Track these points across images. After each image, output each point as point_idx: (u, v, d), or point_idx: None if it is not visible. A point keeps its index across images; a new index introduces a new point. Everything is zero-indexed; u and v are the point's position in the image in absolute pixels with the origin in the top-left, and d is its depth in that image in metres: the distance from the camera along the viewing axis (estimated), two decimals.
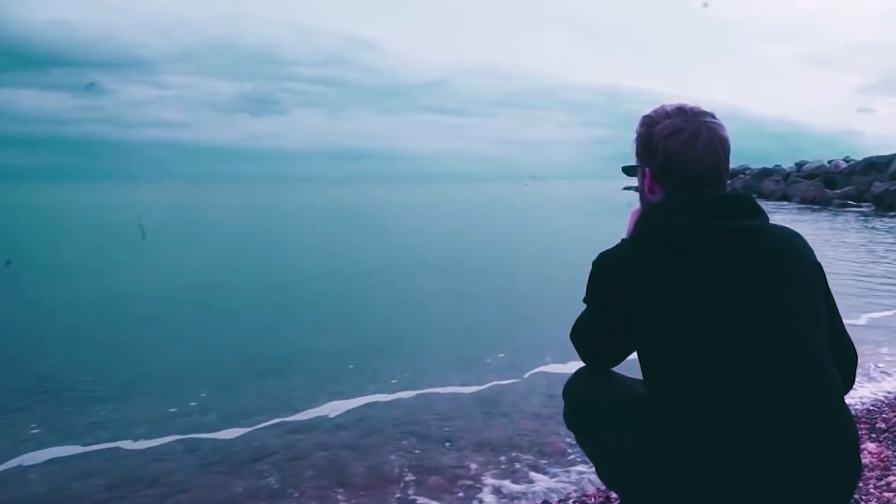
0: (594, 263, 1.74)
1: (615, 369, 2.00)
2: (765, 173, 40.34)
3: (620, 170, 1.96)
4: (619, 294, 1.66)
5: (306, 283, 10.25)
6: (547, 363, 5.26)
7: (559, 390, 2.14)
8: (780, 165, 42.03)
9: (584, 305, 1.86)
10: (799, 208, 29.16)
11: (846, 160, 36.11)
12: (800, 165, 39.37)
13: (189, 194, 79.80)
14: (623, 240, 1.80)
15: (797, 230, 1.78)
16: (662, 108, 1.79)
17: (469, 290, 9.63)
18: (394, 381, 4.91)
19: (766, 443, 1.52)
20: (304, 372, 5.26)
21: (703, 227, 1.63)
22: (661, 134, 1.74)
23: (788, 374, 1.56)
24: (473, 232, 20.31)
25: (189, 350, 6.07)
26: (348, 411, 4.34)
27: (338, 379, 5.01)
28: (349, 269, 11.84)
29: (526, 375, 5.02)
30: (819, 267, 1.74)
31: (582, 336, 1.93)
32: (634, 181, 1.91)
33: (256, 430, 4.04)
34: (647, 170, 1.80)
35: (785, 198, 34.63)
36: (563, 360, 5.06)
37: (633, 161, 1.88)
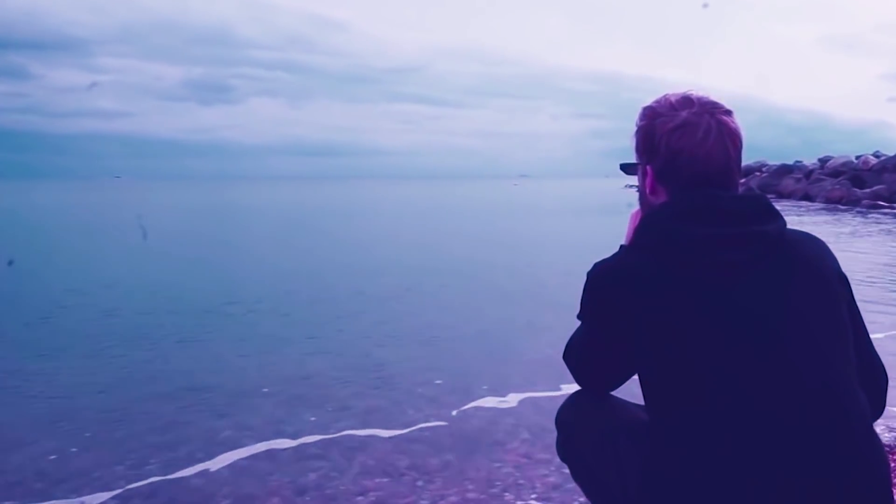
0: (589, 274, 1.75)
1: (614, 393, 2.02)
2: (784, 170, 40.65)
3: (619, 167, 1.97)
4: (618, 309, 1.67)
5: (251, 295, 10.20)
6: (536, 387, 5.25)
7: (551, 418, 2.15)
8: (801, 161, 42.37)
9: (579, 322, 1.87)
10: (823, 209, 29.40)
11: (876, 155, 36.44)
12: (823, 161, 39.69)
13: (121, 194, 79.08)
14: (622, 247, 1.81)
15: (819, 234, 1.80)
16: (666, 98, 1.80)
17: (446, 303, 9.64)
18: (356, 413, 4.87)
19: (784, 476, 1.51)
20: (248, 402, 5.19)
21: (712, 233, 1.63)
22: (664, 127, 1.74)
23: (810, 399, 1.55)
24: (452, 237, 20.28)
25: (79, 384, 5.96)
26: (305, 446, 4.30)
27: (292, 411, 4.95)
28: (304, 280, 11.81)
29: (511, 401, 5.00)
30: (843, 277, 1.75)
31: (576, 356, 1.94)
32: (635, 180, 1.92)
33: (194, 472, 4.00)
34: (648, 168, 1.81)
35: (807, 197, 34.90)
36: (555, 384, 5.07)
37: (633, 157, 1.89)
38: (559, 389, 5.05)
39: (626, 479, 1.80)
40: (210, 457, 4.15)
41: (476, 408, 4.94)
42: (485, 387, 5.34)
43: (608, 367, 1.86)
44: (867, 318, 1.82)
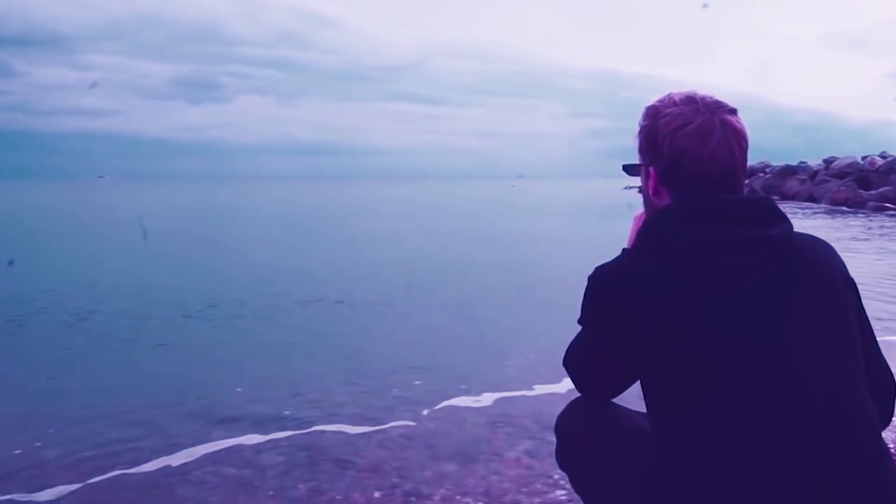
0: (590, 278, 1.75)
1: (615, 400, 2.02)
2: (788, 171, 40.69)
3: (621, 168, 1.97)
4: (620, 314, 1.67)
5: (234, 296, 10.21)
6: (534, 392, 5.25)
7: (550, 424, 2.15)
8: (805, 162, 42.42)
9: (579, 327, 1.87)
10: (828, 211, 29.41)
11: (882, 156, 36.50)
12: (829, 162, 39.73)
13: (102, 194, 78.89)
14: (624, 250, 1.82)
15: (825, 238, 1.81)
16: (669, 97, 1.80)
17: (440, 304, 9.65)
18: (344, 413, 4.89)
19: (791, 487, 1.52)
20: (221, 399, 5.26)
21: (717, 237, 1.63)
22: (667, 127, 1.75)
23: (817, 407, 1.56)
24: (447, 239, 20.26)
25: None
26: (280, 443, 4.35)
27: (264, 407, 5.02)
28: (291, 281, 11.81)
29: (507, 407, 5.00)
30: (851, 282, 1.75)
31: (577, 362, 1.94)
32: (637, 181, 1.93)
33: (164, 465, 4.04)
34: (651, 169, 1.81)
35: (811, 199, 34.92)
36: (554, 391, 5.07)
37: (635, 158, 1.89)
38: (532, 389, 5.18)
39: (627, 489, 1.80)
40: (174, 451, 4.21)
41: (448, 407, 4.97)
42: (462, 386, 5.38)
43: (609, 373, 1.86)
44: (874, 324, 1.82)
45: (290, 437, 4.46)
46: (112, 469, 3.98)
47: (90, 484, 3.81)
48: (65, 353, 7.02)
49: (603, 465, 1.92)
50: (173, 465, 4.05)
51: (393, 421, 4.69)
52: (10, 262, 12.63)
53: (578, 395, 2.07)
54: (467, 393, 5.26)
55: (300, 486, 3.73)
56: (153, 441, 4.41)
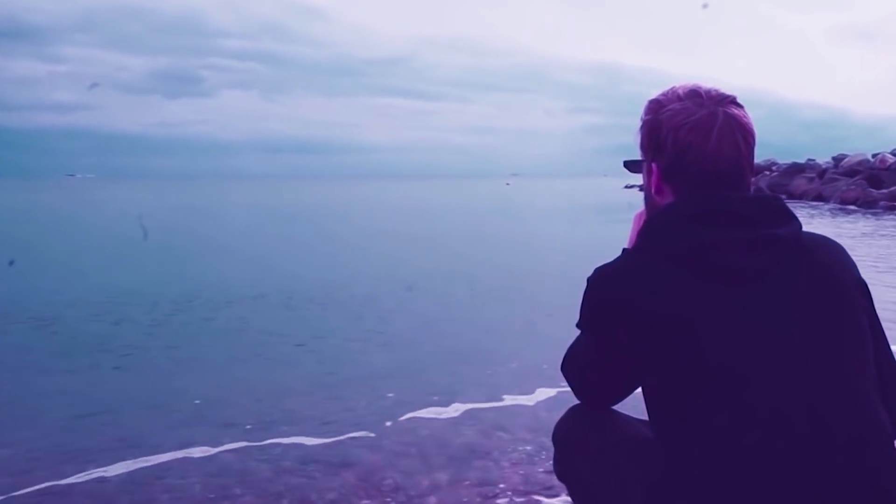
0: (590, 280, 1.75)
1: (616, 408, 2.02)
2: (795, 169, 40.78)
3: (622, 165, 1.97)
4: (621, 317, 1.67)
5: (206, 301, 10.20)
6: (532, 398, 5.26)
7: (548, 432, 2.15)
8: (813, 159, 42.53)
9: (578, 331, 1.87)
10: (837, 211, 29.46)
11: (894, 153, 36.58)
12: (838, 160, 39.83)
13: (69, 194, 78.54)
14: (625, 250, 1.81)
15: (836, 239, 1.81)
16: (673, 90, 1.80)
17: (430, 309, 9.66)
18: (288, 420, 4.92)
19: (802, 496, 1.52)
20: (173, 410, 5.28)
21: (722, 237, 1.63)
22: (670, 122, 1.75)
23: (827, 414, 1.56)
24: (436, 241, 20.27)
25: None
26: (222, 454, 4.36)
27: (219, 417, 5.04)
28: (267, 285, 11.79)
29: (502, 414, 5.00)
30: (863, 284, 1.75)
31: (575, 368, 1.94)
32: (638, 178, 1.93)
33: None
34: (653, 165, 1.81)
35: (820, 198, 34.99)
36: (551, 397, 5.09)
37: (636, 154, 1.90)
38: (502, 400, 5.22)
39: (629, 500, 1.80)
40: (115, 461, 4.21)
41: (414, 418, 4.96)
42: (435, 397, 5.36)
43: (609, 379, 1.86)
44: (886, 329, 1.82)
45: (276, 443, 4.48)
46: (41, 482, 3.97)
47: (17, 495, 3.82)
48: (29, 359, 7.04)
49: (603, 476, 1.92)
50: (108, 475, 4.06)
51: (352, 432, 4.67)
52: (11, 263, 12.65)
53: (577, 401, 2.07)
54: (459, 399, 5.26)
55: (285, 492, 3.75)
56: (92, 453, 4.39)
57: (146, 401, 5.52)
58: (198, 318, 9.02)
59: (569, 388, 2.01)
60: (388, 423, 4.84)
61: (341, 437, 4.57)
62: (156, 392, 5.76)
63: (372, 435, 4.63)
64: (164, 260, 15.84)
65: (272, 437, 4.58)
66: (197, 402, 5.43)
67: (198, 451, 4.36)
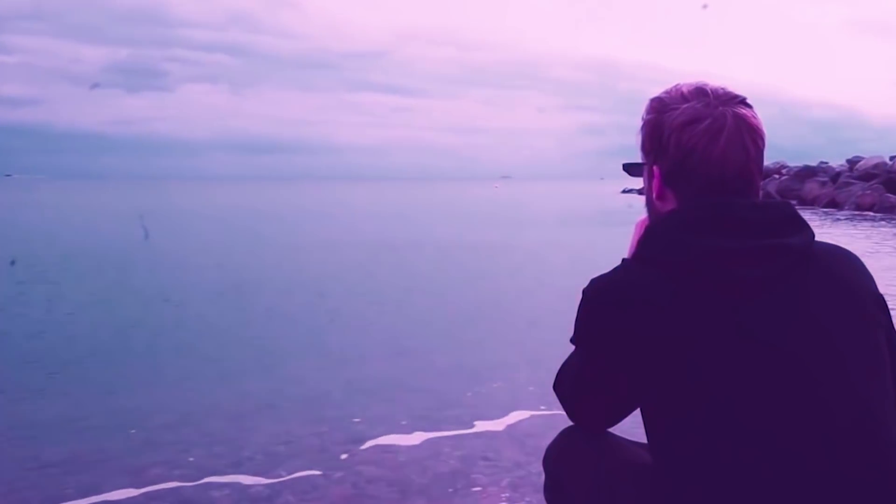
0: (586, 292, 1.75)
1: (612, 430, 2.02)
2: (807, 173, 40.99)
3: (621, 168, 1.98)
4: (618, 332, 1.67)
5: (149, 319, 10.15)
6: (519, 420, 5.26)
7: (538, 456, 2.15)
8: (826, 163, 42.80)
9: (573, 347, 1.87)
10: (852, 217, 29.61)
11: None
12: (853, 163, 40.07)
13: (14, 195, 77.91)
14: (624, 261, 1.81)
15: (850, 249, 1.81)
16: (677, 88, 1.80)
17: (398, 324, 9.68)
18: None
19: None
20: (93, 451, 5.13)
21: (728, 247, 1.63)
22: (674, 122, 1.74)
23: (842, 439, 1.56)
24: (413, 250, 20.24)
25: None
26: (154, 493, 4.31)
27: (148, 454, 4.93)
28: (217, 301, 11.73)
29: (487, 438, 5.01)
30: (880, 299, 1.75)
31: (569, 387, 1.94)
32: (638, 182, 1.93)
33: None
34: (655, 168, 1.81)
35: (833, 204, 35.19)
36: (541, 418, 5.08)
37: (637, 156, 1.89)
38: (515, 417, 5.23)
39: None
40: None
41: (383, 445, 4.96)
42: (404, 422, 5.36)
43: (606, 399, 1.85)
44: None
45: (171, 488, 4.39)
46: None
47: None
48: None
49: (598, 503, 1.92)
50: None
51: (302, 470, 4.60)
52: (12, 262, 13.20)
53: (570, 423, 2.07)
54: (440, 424, 5.26)
55: None
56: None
57: (61, 436, 5.36)
58: (120, 336, 8.95)
59: (552, 411, 2.01)
60: (357, 450, 4.83)
61: (293, 476, 4.50)
62: (74, 422, 5.63)
63: (337, 466, 4.61)
64: (100, 271, 15.53)
65: (209, 477, 4.48)
66: (133, 431, 5.35)
67: (119, 495, 4.28)
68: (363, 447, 4.91)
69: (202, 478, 4.46)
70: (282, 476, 4.47)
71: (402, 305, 11.02)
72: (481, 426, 5.20)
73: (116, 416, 5.75)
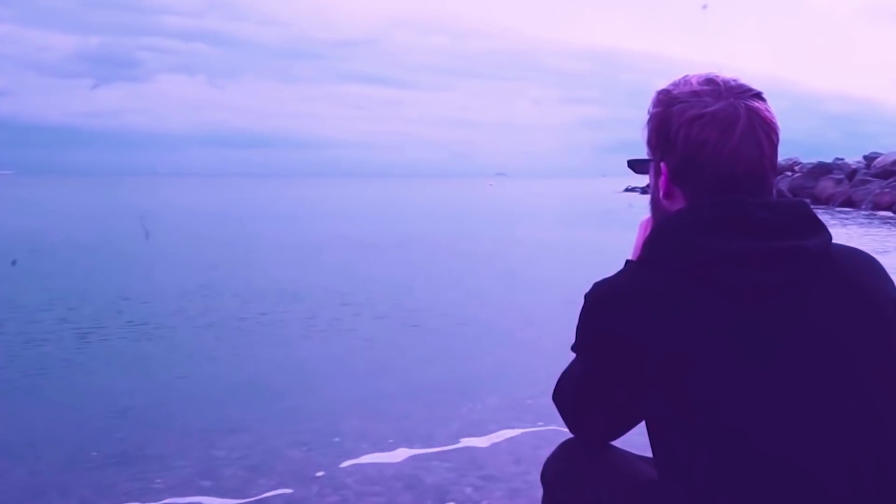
0: (588, 297, 1.75)
1: (615, 443, 2.02)
2: (822, 169, 41.06)
3: (626, 164, 1.97)
4: (622, 339, 1.67)
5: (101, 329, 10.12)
6: (516, 431, 5.26)
7: (536, 470, 2.15)
8: (842, 159, 42.89)
9: (574, 355, 1.87)
10: (870, 217, 29.66)
11: None
12: (870, 159, 40.15)
13: None
14: (628, 263, 1.81)
15: (869, 251, 1.82)
16: (686, 80, 1.79)
17: (397, 335, 9.68)
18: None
19: None
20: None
21: (740, 249, 1.63)
22: (682, 116, 1.73)
23: (860, 457, 1.56)
24: (405, 248, 20.25)
25: None
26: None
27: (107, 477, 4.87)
28: (201, 302, 11.72)
29: (478, 453, 5.01)
30: None
31: (569, 397, 1.95)
32: (643, 180, 1.92)
33: None
34: (662, 165, 1.80)
35: (849, 203, 35.28)
36: (537, 433, 5.08)
37: (642, 152, 1.89)
38: (509, 430, 5.18)
39: None
40: None
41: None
42: (391, 440, 5.33)
43: (609, 410, 1.86)
44: None
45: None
46: None
47: None
48: None
49: None
50: None
51: (272, 490, 4.59)
52: (13, 262, 13.21)
53: (570, 436, 2.08)
54: (429, 437, 5.26)
55: None
56: None
57: (18, 457, 5.26)
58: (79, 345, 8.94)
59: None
60: (342, 466, 4.83)
61: (268, 494, 4.48)
62: (34, 445, 5.53)
63: (289, 490, 4.58)
64: (62, 274, 15.44)
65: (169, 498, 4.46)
66: (95, 453, 5.25)
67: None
68: (344, 465, 4.89)
69: (169, 498, 4.44)
70: (256, 496, 4.45)
71: (383, 312, 10.99)
72: (467, 442, 5.19)
73: (80, 433, 5.67)
